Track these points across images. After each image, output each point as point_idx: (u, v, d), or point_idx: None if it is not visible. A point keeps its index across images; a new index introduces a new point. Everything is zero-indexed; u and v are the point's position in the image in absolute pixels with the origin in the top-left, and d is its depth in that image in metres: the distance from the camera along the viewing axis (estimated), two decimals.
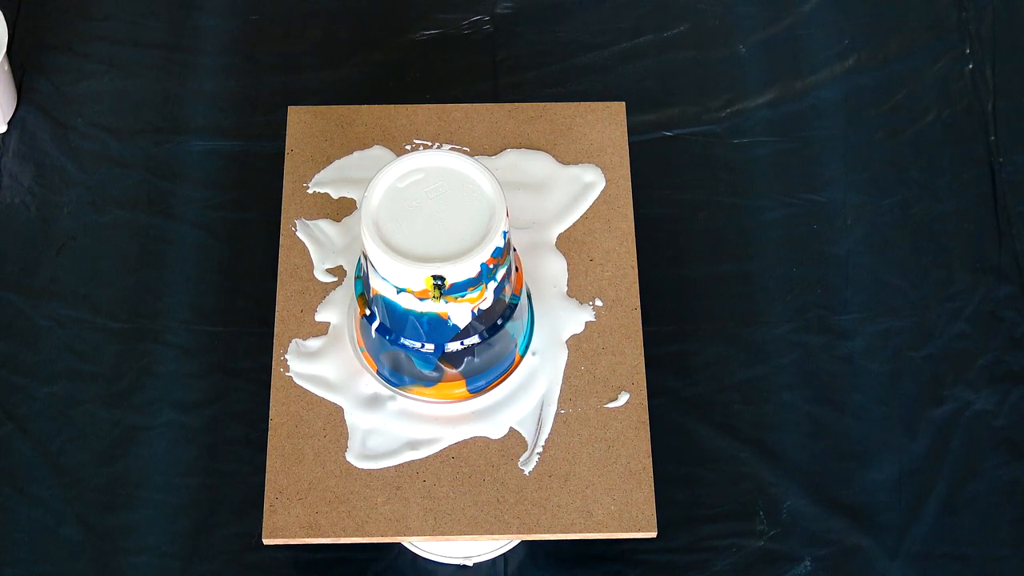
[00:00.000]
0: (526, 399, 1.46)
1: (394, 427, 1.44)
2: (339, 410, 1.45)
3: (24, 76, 1.86)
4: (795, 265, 1.75)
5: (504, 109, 1.61)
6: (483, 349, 1.41)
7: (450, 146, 1.58)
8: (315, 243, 1.53)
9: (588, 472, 1.42)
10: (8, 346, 1.68)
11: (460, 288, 1.35)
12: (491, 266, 1.35)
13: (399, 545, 1.58)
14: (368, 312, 1.41)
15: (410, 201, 1.37)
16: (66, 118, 1.83)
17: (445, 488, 1.42)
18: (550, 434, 1.44)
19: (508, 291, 1.41)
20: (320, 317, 1.50)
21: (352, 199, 1.56)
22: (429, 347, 1.39)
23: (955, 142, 1.83)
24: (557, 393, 1.46)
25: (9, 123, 1.82)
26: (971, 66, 1.88)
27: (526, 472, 1.43)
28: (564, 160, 1.58)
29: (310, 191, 1.56)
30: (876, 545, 1.58)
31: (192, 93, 1.85)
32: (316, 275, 1.52)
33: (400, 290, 1.35)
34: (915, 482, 1.62)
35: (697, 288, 1.73)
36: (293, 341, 1.48)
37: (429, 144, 1.58)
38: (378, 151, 1.58)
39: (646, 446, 1.44)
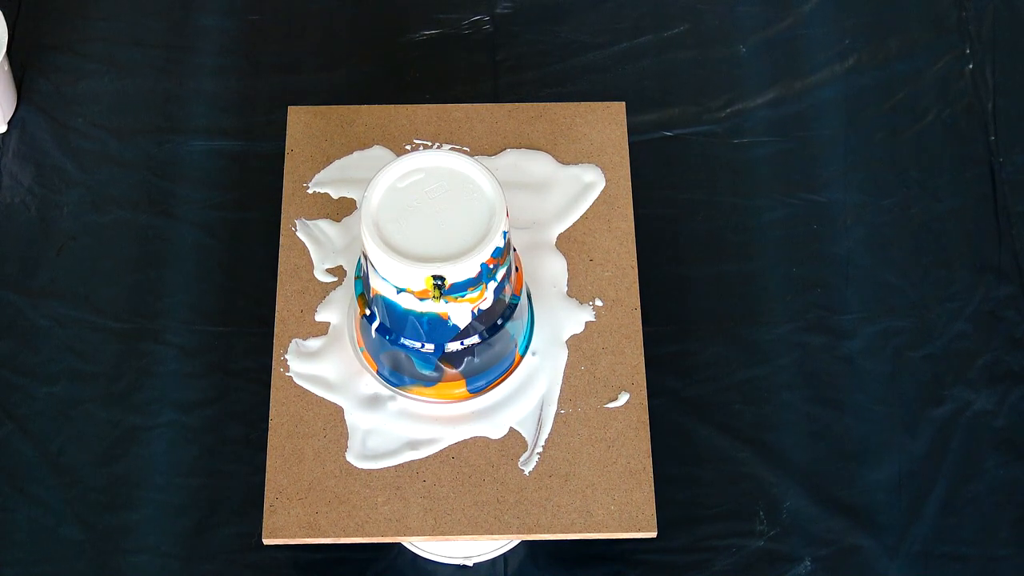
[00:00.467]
0: (526, 399, 1.46)
1: (394, 427, 1.44)
2: (339, 410, 1.45)
3: (24, 76, 1.86)
4: (795, 265, 1.75)
5: (504, 109, 1.61)
6: (483, 349, 1.41)
7: (450, 146, 1.58)
8: (315, 243, 1.53)
9: (588, 472, 1.42)
10: (8, 346, 1.68)
11: (460, 288, 1.35)
12: (491, 266, 1.35)
13: (399, 545, 1.58)
14: (368, 312, 1.41)
15: (410, 201, 1.37)
16: (66, 118, 1.83)
17: (445, 488, 1.42)
18: (550, 434, 1.44)
19: (508, 291, 1.41)
20: (320, 317, 1.50)
21: (352, 199, 1.56)
22: (429, 347, 1.39)
23: (955, 142, 1.83)
24: (557, 393, 1.46)
25: (9, 123, 1.82)
26: (971, 66, 1.88)
27: (526, 472, 1.43)
28: (564, 160, 1.58)
29: (310, 191, 1.56)
30: (876, 545, 1.58)
31: (192, 93, 1.85)
32: (316, 275, 1.52)
33: (400, 290, 1.35)
34: (915, 482, 1.62)
35: (697, 288, 1.73)
36: (293, 341, 1.48)
37: (429, 144, 1.58)
38: (378, 151, 1.58)
39: (646, 446, 1.44)
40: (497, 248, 1.35)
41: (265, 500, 1.41)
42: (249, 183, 1.79)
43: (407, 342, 1.39)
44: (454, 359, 1.41)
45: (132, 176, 1.79)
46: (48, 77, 1.86)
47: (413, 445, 1.44)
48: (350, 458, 1.43)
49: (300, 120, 1.60)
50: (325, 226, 1.54)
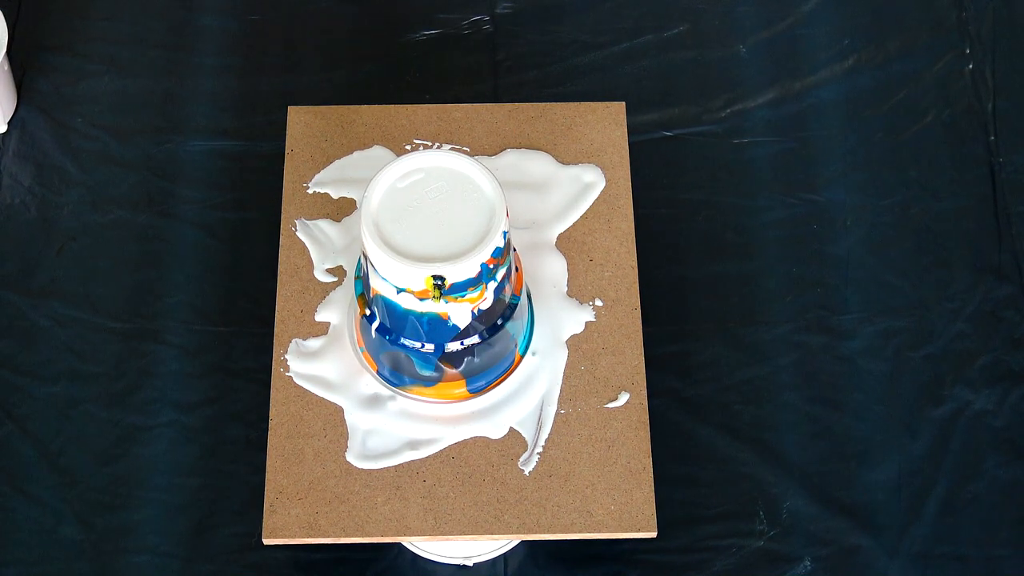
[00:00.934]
0: (526, 399, 1.46)
1: (394, 427, 1.44)
2: (339, 410, 1.45)
3: (24, 76, 1.86)
4: (795, 265, 1.75)
5: (504, 109, 1.61)
6: (483, 349, 1.41)
7: (450, 146, 1.58)
8: (315, 243, 1.53)
9: (588, 472, 1.42)
10: (8, 346, 1.68)
11: (460, 288, 1.35)
12: (491, 266, 1.35)
13: (399, 545, 1.58)
14: (368, 312, 1.41)
15: (410, 201, 1.37)
16: (66, 118, 1.83)
17: (445, 488, 1.42)
18: (550, 434, 1.44)
19: (508, 291, 1.41)
20: (320, 317, 1.50)
21: (352, 199, 1.56)
22: (429, 347, 1.39)
23: (955, 142, 1.83)
24: (557, 393, 1.46)
25: (9, 123, 1.82)
26: (971, 66, 1.88)
27: (526, 472, 1.43)
28: (564, 160, 1.58)
29: (310, 191, 1.56)
30: (876, 545, 1.58)
31: (192, 93, 1.85)
32: (316, 275, 1.52)
33: (400, 290, 1.35)
34: (915, 482, 1.62)
35: (697, 288, 1.73)
36: (293, 341, 1.48)
37: (429, 144, 1.58)
38: (378, 151, 1.58)
39: (646, 446, 1.44)
40: (497, 248, 1.35)
41: (265, 500, 1.41)
42: (249, 183, 1.79)
43: (407, 342, 1.39)
44: (454, 359, 1.41)
45: (132, 176, 1.79)
46: (48, 77, 1.86)
47: (413, 445, 1.44)
48: (350, 458, 1.43)
49: (300, 120, 1.60)
50: (325, 226, 1.54)
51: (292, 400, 1.46)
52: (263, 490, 1.57)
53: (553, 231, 1.54)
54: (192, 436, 1.63)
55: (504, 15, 1.92)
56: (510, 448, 1.44)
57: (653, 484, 1.42)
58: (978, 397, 1.66)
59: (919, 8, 1.92)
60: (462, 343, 1.39)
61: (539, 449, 1.44)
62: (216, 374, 1.67)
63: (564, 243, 1.53)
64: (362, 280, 1.42)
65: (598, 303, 1.50)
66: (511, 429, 1.45)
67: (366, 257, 1.38)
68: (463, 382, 1.43)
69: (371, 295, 1.40)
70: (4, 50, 1.76)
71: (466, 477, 1.42)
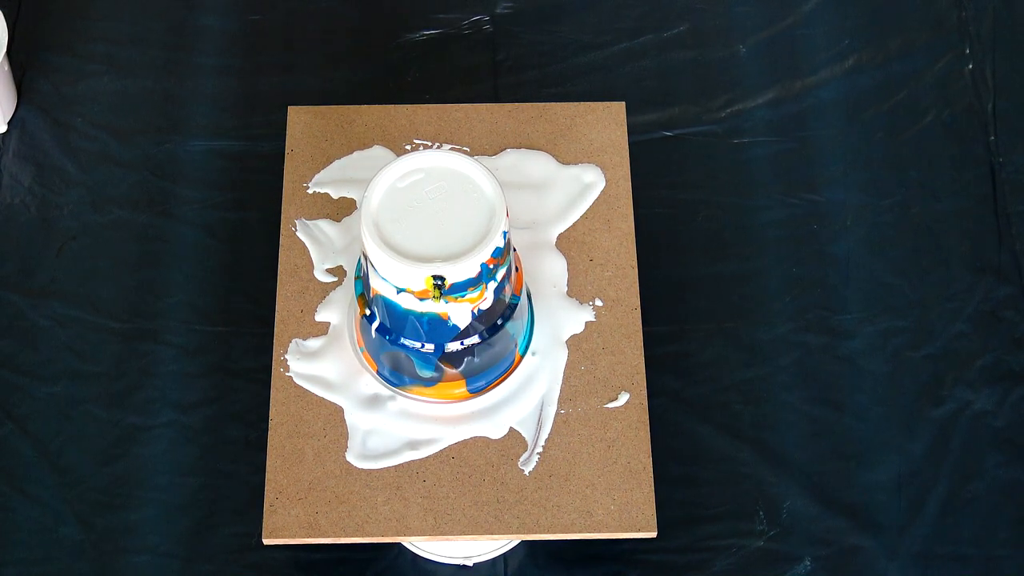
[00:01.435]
0: (526, 399, 1.46)
1: (394, 427, 1.44)
2: (339, 410, 1.45)
3: (24, 76, 1.86)
4: (795, 265, 1.75)
5: (504, 109, 1.61)
6: (483, 349, 1.41)
7: (450, 146, 1.58)
8: (315, 243, 1.53)
9: (588, 472, 1.42)
10: (8, 346, 1.68)
11: (460, 288, 1.35)
12: (491, 266, 1.35)
13: (399, 545, 1.58)
14: (368, 312, 1.41)
15: (410, 201, 1.37)
16: (66, 118, 1.83)
17: (445, 488, 1.42)
18: (550, 434, 1.44)
19: (508, 291, 1.41)
20: (320, 317, 1.50)
21: (352, 199, 1.56)
22: (429, 347, 1.39)
23: (955, 142, 1.83)
24: (557, 393, 1.46)
25: (9, 123, 1.82)
26: (971, 66, 1.88)
27: (526, 472, 1.43)
28: (564, 160, 1.58)
29: (310, 191, 1.56)
30: (876, 545, 1.58)
31: (192, 93, 1.85)
32: (316, 275, 1.52)
33: (400, 290, 1.35)
34: (915, 482, 1.62)
35: (697, 288, 1.73)
36: (293, 341, 1.48)
37: (429, 144, 1.58)
38: (378, 151, 1.58)
39: (646, 446, 1.44)
40: (497, 248, 1.35)
41: (265, 500, 1.41)
42: (249, 183, 1.79)
43: (407, 342, 1.39)
44: (454, 359, 1.41)
45: (132, 176, 1.79)
46: (48, 77, 1.86)
47: (413, 445, 1.44)
48: (350, 458, 1.43)
49: (300, 120, 1.60)
50: (325, 226, 1.54)
51: (292, 400, 1.46)
52: (263, 490, 1.57)
53: (553, 231, 1.54)
54: (192, 436, 1.63)
55: (504, 15, 1.92)
56: (510, 448, 1.44)
57: (653, 484, 1.42)
58: (978, 397, 1.66)
59: (919, 8, 1.92)
60: (462, 343, 1.39)
61: (539, 449, 1.44)
62: (216, 374, 1.67)
63: (564, 243, 1.53)
64: (362, 280, 1.42)
65: (598, 303, 1.50)
66: (511, 429, 1.45)
67: (366, 257, 1.38)
68: (463, 382, 1.43)
69: (371, 295, 1.40)
70: (4, 50, 1.76)
71: (466, 477, 1.42)
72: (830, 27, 1.91)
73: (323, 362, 1.47)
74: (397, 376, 1.44)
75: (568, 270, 1.52)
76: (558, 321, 1.49)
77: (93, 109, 1.84)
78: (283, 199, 1.55)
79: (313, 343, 1.48)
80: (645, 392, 1.46)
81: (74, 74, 1.86)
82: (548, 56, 1.88)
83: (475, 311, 1.37)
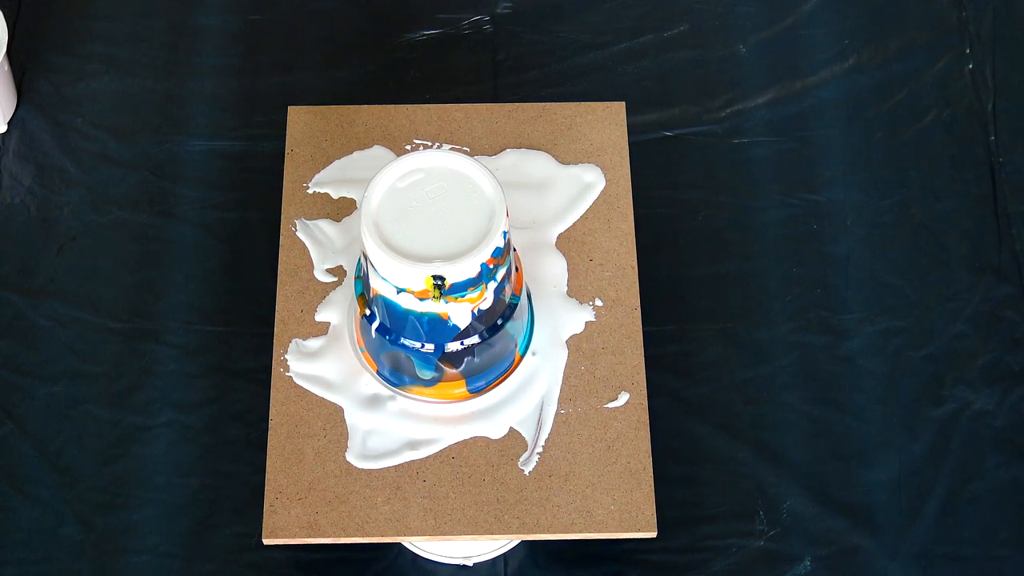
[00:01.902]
0: (526, 399, 1.46)
1: (394, 427, 1.44)
2: (339, 410, 1.45)
3: (24, 76, 1.86)
4: (795, 265, 1.75)
5: (504, 109, 1.61)
6: (483, 349, 1.41)
7: (450, 146, 1.58)
8: (315, 243, 1.53)
9: (588, 472, 1.42)
10: (8, 346, 1.68)
11: (460, 288, 1.35)
12: (491, 266, 1.35)
13: (399, 545, 1.58)
14: (368, 312, 1.41)
15: (410, 201, 1.37)
16: (66, 118, 1.83)
17: (445, 488, 1.42)
18: (550, 434, 1.44)
19: (508, 291, 1.41)
20: (320, 317, 1.50)
21: (352, 199, 1.56)
22: (429, 347, 1.39)
23: (955, 142, 1.83)
24: (557, 393, 1.46)
25: (9, 123, 1.82)
26: (971, 66, 1.88)
27: (526, 472, 1.43)
28: (564, 160, 1.58)
29: (310, 191, 1.56)
30: (876, 545, 1.58)
31: (192, 93, 1.85)
32: (316, 275, 1.52)
33: (400, 290, 1.35)
34: (915, 482, 1.62)
35: (697, 288, 1.73)
36: (293, 341, 1.48)
37: (429, 144, 1.58)
38: (378, 151, 1.58)
39: (646, 446, 1.44)
40: (497, 248, 1.35)
41: (265, 500, 1.41)
42: (249, 183, 1.79)
43: (407, 342, 1.39)
44: (454, 359, 1.41)
45: (132, 176, 1.79)
46: (48, 77, 1.86)
47: (413, 445, 1.44)
48: (350, 458, 1.43)
49: (300, 120, 1.60)
50: (325, 226, 1.54)
51: (292, 400, 1.46)
52: (263, 490, 1.57)
53: (553, 231, 1.54)
54: (192, 436, 1.63)
55: (504, 15, 1.92)
56: (510, 448, 1.44)
57: (653, 484, 1.42)
58: (978, 397, 1.66)
59: (919, 8, 1.92)
60: (462, 343, 1.39)
61: (539, 449, 1.44)
62: (216, 374, 1.67)
63: (564, 243, 1.53)
64: (362, 280, 1.42)
65: (598, 303, 1.50)
66: (511, 429, 1.45)
67: (366, 257, 1.38)
68: (463, 382, 1.43)
69: (371, 295, 1.40)
70: (4, 50, 1.76)
71: (466, 477, 1.42)
72: (830, 27, 1.91)
73: (323, 362, 1.47)
74: (397, 376, 1.44)
75: (568, 270, 1.52)
76: (558, 321, 1.49)
77: (93, 109, 1.84)
78: (283, 199, 1.55)
79: (313, 343, 1.48)
80: (645, 392, 1.46)
81: (74, 74, 1.86)
82: (548, 56, 1.88)
83: (475, 311, 1.37)
